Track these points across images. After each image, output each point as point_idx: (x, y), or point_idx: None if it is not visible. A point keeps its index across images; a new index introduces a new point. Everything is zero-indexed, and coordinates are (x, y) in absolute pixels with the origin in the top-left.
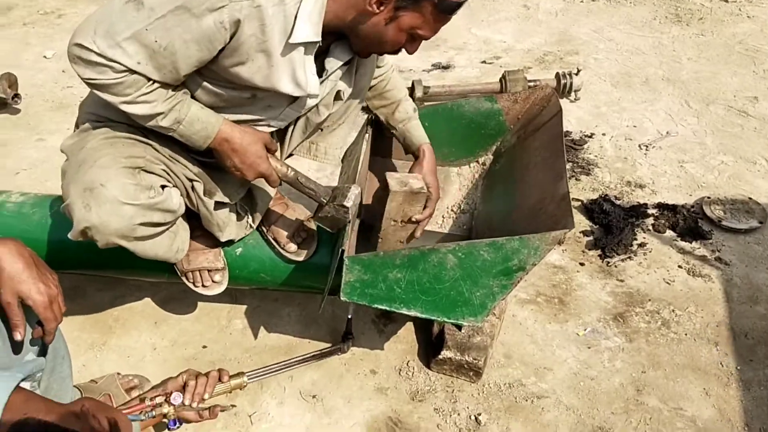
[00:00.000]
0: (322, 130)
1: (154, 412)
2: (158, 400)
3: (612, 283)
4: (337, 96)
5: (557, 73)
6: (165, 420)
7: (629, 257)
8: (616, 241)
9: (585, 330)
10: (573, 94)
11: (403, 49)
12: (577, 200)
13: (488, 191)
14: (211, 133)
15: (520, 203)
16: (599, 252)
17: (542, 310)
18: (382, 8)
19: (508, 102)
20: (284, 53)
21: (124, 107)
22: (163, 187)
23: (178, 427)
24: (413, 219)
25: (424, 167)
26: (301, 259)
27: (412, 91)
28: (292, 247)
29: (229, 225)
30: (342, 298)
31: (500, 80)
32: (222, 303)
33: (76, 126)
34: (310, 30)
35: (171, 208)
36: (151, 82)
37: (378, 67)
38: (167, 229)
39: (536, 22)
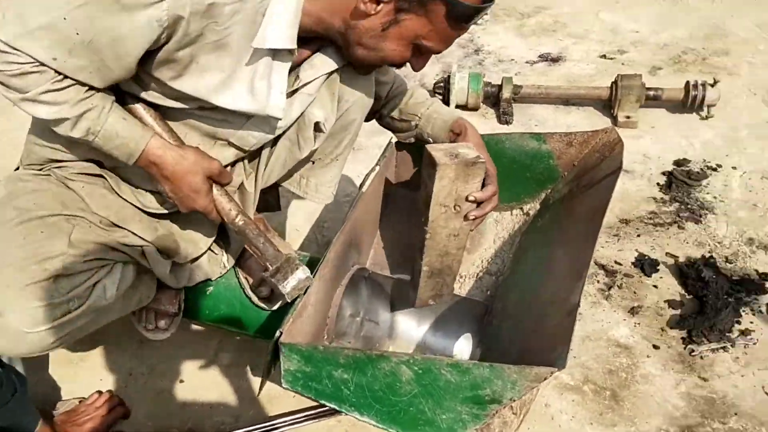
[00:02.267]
0: (313, 162)
1: None
2: None
3: (690, 381)
4: (317, 128)
5: (687, 82)
6: None
7: (723, 348)
8: (708, 324)
9: None
10: (706, 109)
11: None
12: (672, 256)
13: (521, 253)
14: (133, 152)
15: (540, 289)
16: (684, 334)
17: (586, 404)
18: (379, 7)
19: (561, 143)
20: (244, 61)
21: (24, 105)
22: (95, 284)
23: None
24: (471, 198)
25: (470, 141)
26: (271, 307)
27: (499, 89)
28: (264, 291)
29: (191, 274)
30: (283, 387)
31: (611, 85)
32: (215, 330)
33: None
34: (280, 34)
35: (103, 306)
36: (61, 77)
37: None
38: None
39: (685, 8)
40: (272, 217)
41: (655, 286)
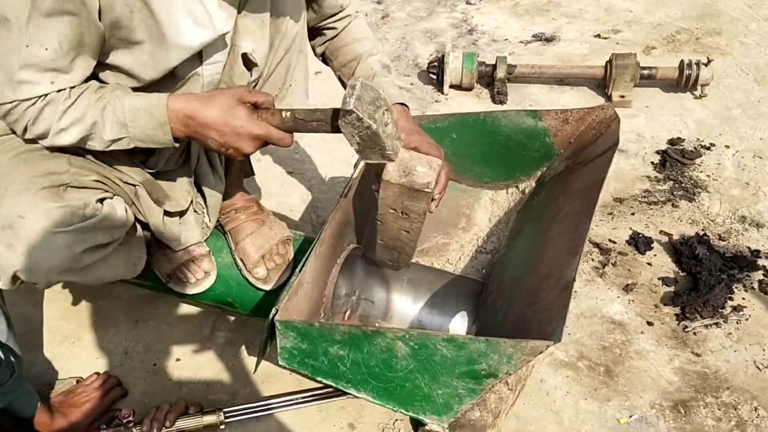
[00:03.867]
0: None
1: None
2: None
3: (684, 357)
4: (246, 60)
5: (681, 61)
6: None
7: (716, 324)
8: (702, 301)
9: (630, 417)
10: (699, 89)
11: None
12: (666, 234)
13: (517, 231)
14: (162, 118)
15: (535, 265)
16: (677, 310)
17: (580, 380)
18: None
19: (557, 121)
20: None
21: (58, 140)
22: (101, 200)
23: None
24: (427, 212)
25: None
26: (268, 287)
27: (493, 69)
28: (260, 272)
29: (184, 232)
30: (280, 364)
31: (606, 65)
32: (210, 309)
33: None
34: None
35: (116, 224)
36: (67, 93)
37: (330, 14)
38: (117, 245)
39: None
40: (269, 199)
41: (649, 264)
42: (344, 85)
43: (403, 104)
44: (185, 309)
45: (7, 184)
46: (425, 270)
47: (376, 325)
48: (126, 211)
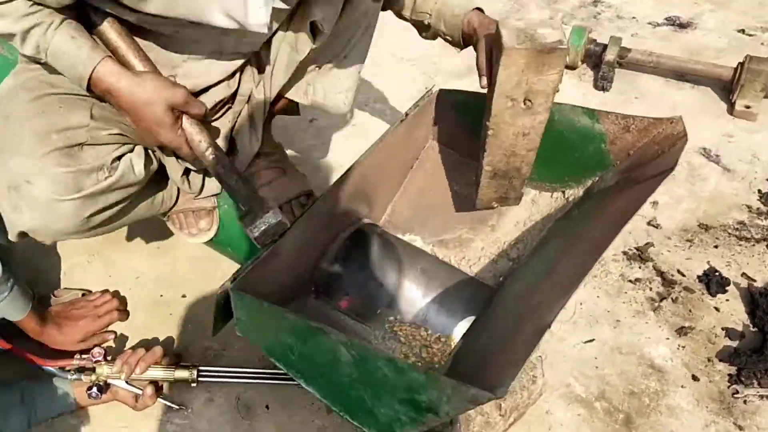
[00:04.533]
0: (319, 68)
1: (81, 376)
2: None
3: (723, 426)
4: (315, 29)
5: None
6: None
7: None
8: (764, 366)
9: None
10: None
11: None
12: (748, 278)
13: (543, 243)
14: (82, 76)
15: (536, 289)
16: (733, 370)
17: (593, 422)
18: None
19: (616, 126)
20: None
21: None
22: (119, 157)
23: (98, 398)
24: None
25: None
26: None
27: (603, 50)
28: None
29: (207, 183)
30: (237, 333)
31: (736, 67)
32: (220, 258)
33: None
34: None
35: (133, 181)
36: None
37: None
38: (137, 197)
39: None
40: (308, 155)
41: (717, 309)
42: (407, 19)
43: (478, 8)
44: (202, 249)
45: (20, 139)
46: (441, 264)
47: (378, 313)
48: (142, 167)
